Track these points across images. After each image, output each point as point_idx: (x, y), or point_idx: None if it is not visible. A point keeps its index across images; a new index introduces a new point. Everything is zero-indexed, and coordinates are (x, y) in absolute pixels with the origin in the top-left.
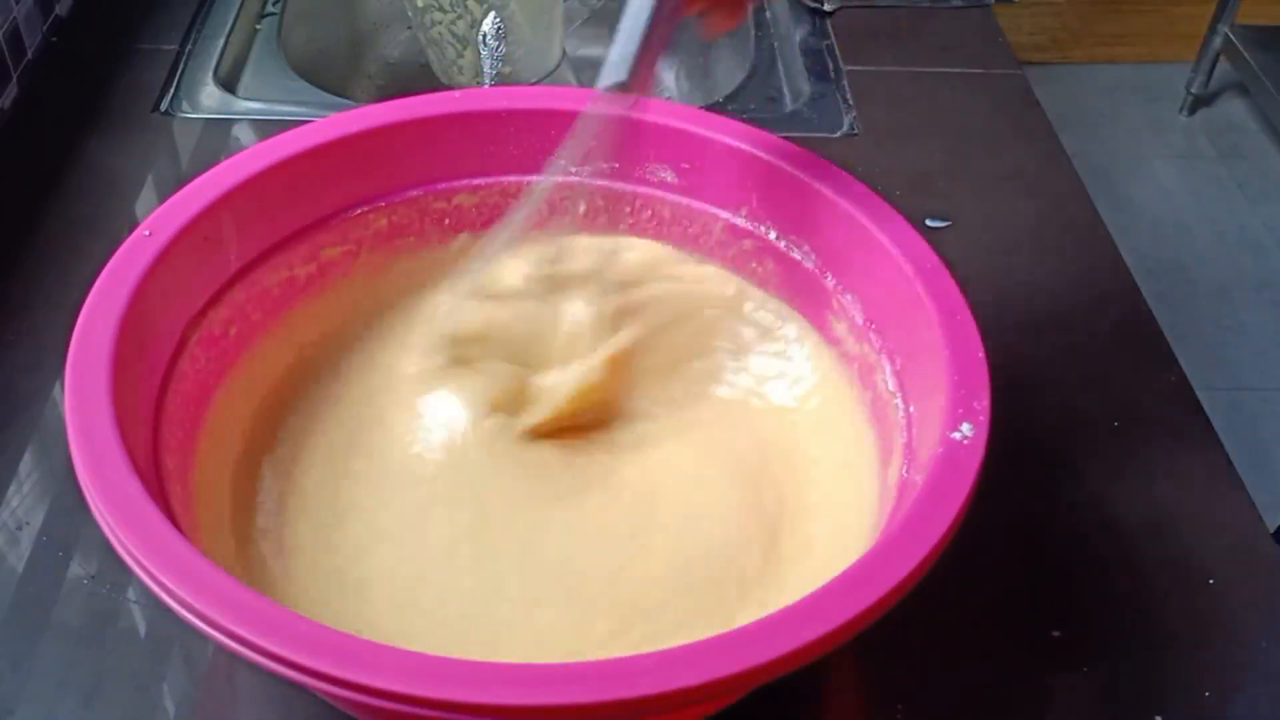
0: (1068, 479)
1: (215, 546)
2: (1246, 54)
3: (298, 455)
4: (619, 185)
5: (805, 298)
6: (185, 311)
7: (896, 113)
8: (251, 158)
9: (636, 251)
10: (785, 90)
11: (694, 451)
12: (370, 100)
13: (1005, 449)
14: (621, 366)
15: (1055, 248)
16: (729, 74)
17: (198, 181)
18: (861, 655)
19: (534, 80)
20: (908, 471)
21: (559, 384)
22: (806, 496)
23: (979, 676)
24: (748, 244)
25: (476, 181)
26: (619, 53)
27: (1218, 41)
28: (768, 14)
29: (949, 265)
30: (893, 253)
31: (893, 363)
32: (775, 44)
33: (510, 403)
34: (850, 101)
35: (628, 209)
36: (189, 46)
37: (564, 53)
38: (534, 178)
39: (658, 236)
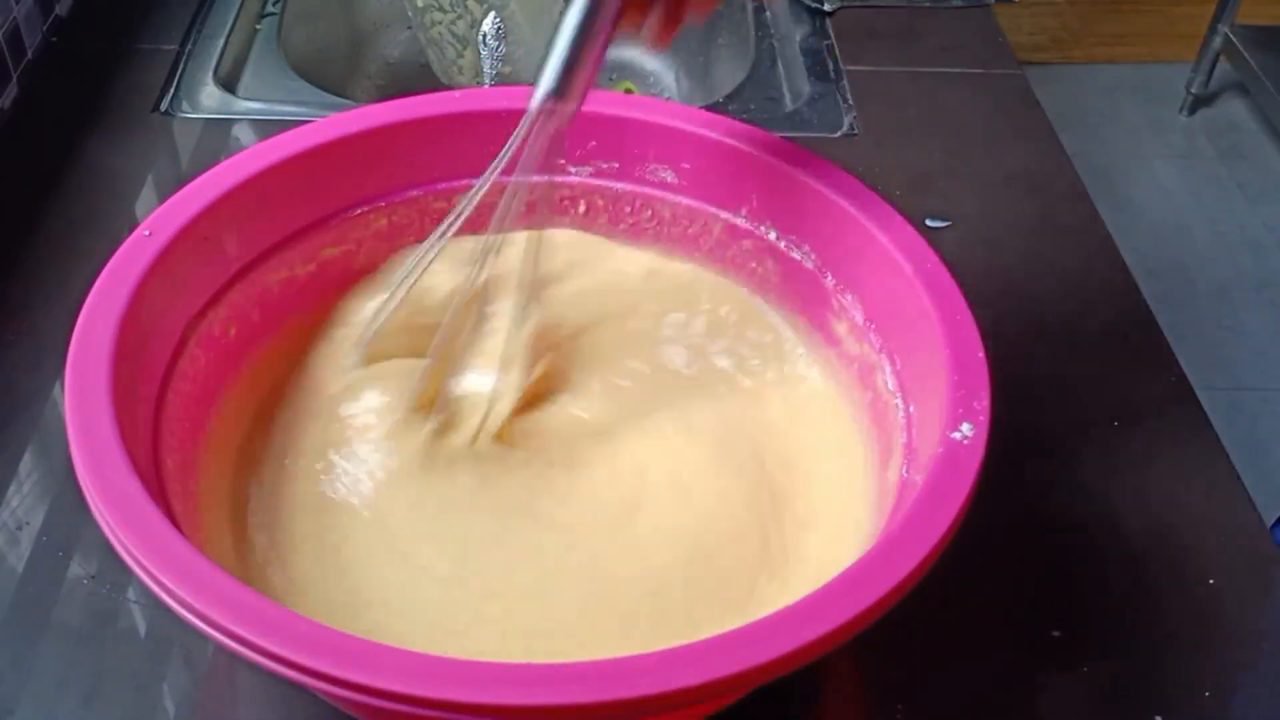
0: (1068, 479)
1: (215, 546)
2: (1246, 54)
3: (297, 455)
4: (619, 185)
5: (805, 298)
6: (185, 311)
7: (896, 113)
8: (251, 158)
9: (564, 248)
10: (785, 90)
11: (693, 453)
12: (370, 100)
13: (1005, 449)
14: (547, 350)
15: (1055, 248)
16: (729, 74)
17: (198, 181)
18: (861, 655)
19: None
20: (908, 471)
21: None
22: (806, 497)
23: (979, 676)
24: (748, 244)
25: (476, 181)
26: (551, 62)
27: (1218, 41)
28: (768, 14)
29: (949, 265)
30: (893, 253)
31: (893, 363)
32: (775, 44)
33: (443, 405)
34: (850, 101)
35: (628, 209)
36: (189, 46)
37: None
38: (534, 177)
39: (657, 237)
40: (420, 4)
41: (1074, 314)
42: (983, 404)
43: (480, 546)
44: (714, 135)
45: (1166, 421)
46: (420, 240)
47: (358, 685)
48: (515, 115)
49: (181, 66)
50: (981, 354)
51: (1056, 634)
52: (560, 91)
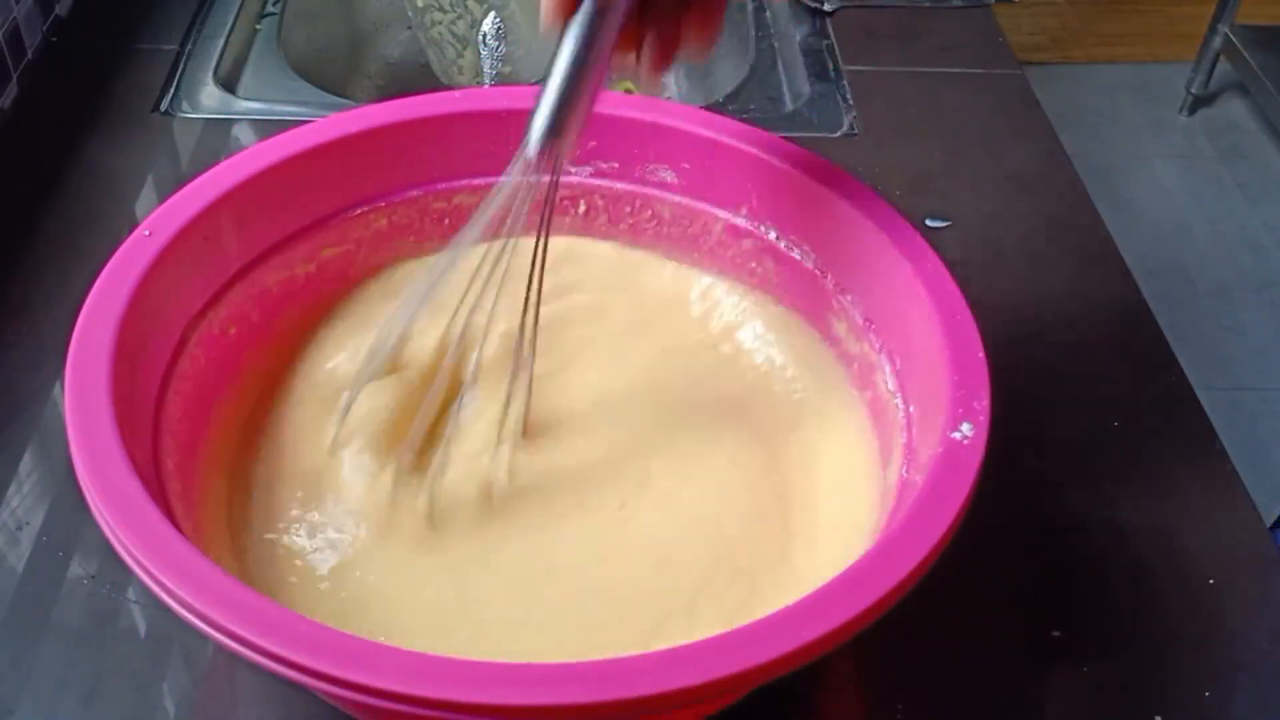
0: (1067, 479)
1: (215, 546)
2: (1246, 54)
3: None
4: (619, 185)
5: (805, 298)
6: (185, 311)
7: (896, 113)
8: (251, 158)
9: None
10: (785, 90)
11: (694, 453)
12: (370, 100)
13: (1005, 449)
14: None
15: (1055, 247)
16: (729, 74)
17: (198, 181)
18: (861, 655)
19: (534, 80)
20: (908, 471)
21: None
22: (806, 497)
23: (979, 676)
24: (748, 244)
25: (476, 181)
26: (546, 104)
27: (1218, 41)
28: (768, 14)
29: (949, 265)
30: (893, 253)
31: (893, 363)
32: (775, 44)
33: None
34: (850, 101)
35: (628, 209)
36: (189, 46)
37: None
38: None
39: (657, 237)
40: (420, 4)
41: (1074, 314)
42: (983, 404)
43: (485, 550)
44: (714, 135)
45: (1166, 421)
46: (425, 238)
47: (358, 685)
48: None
49: (181, 66)
50: (981, 354)
51: (1056, 634)
52: (557, 131)
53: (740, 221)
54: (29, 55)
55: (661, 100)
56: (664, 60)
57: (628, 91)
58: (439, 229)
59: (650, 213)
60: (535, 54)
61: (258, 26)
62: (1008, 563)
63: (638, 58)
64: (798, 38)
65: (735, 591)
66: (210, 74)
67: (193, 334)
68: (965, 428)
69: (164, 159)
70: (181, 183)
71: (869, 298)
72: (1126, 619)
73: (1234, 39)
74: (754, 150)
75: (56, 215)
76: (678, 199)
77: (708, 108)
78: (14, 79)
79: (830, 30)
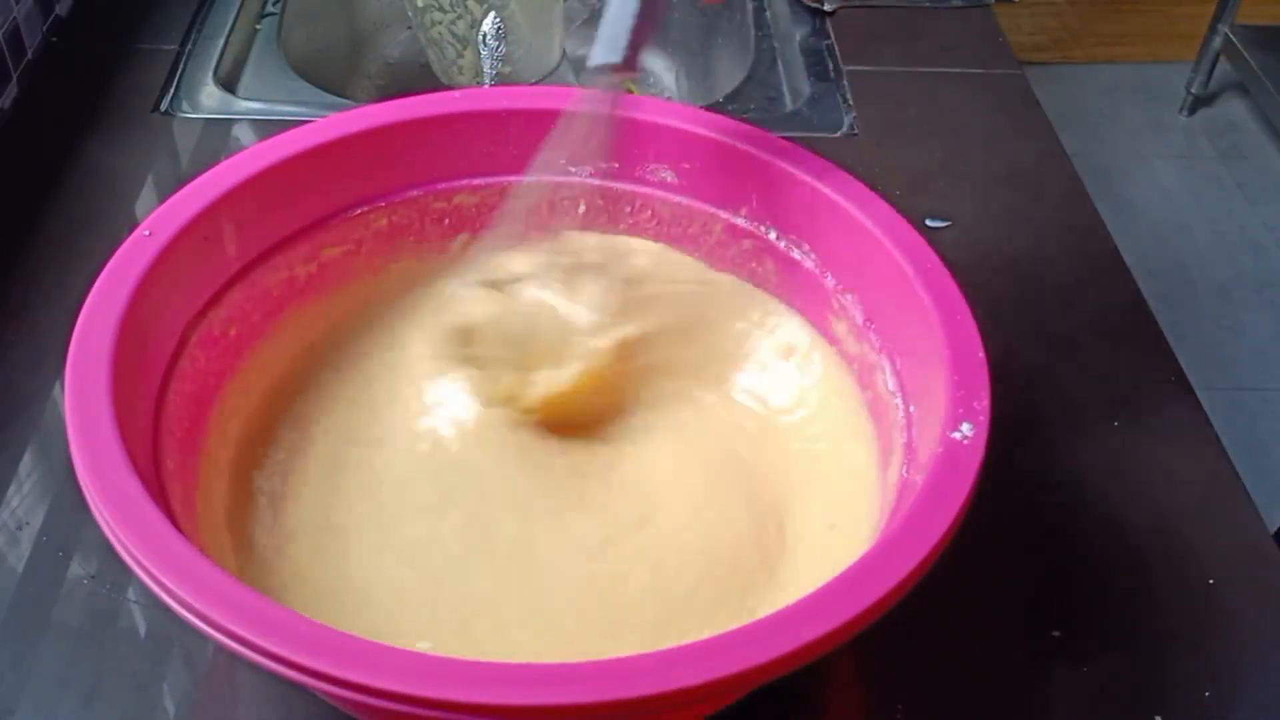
0: (1068, 479)
1: (215, 546)
2: (1246, 54)
3: (296, 454)
4: (619, 185)
5: (805, 298)
6: (185, 311)
7: (896, 113)
8: (251, 158)
9: (644, 254)
10: (785, 90)
11: (693, 451)
12: (370, 100)
13: (1005, 449)
14: (627, 356)
15: (1055, 248)
16: (729, 74)
17: (198, 181)
18: (861, 655)
19: (534, 80)
20: (908, 471)
21: (564, 367)
22: (806, 497)
23: (979, 676)
24: (748, 244)
25: (476, 181)
26: (610, 31)
27: (1218, 41)
28: (768, 14)
29: (949, 265)
30: (893, 253)
31: (893, 363)
32: (775, 44)
33: (511, 398)
34: (850, 101)
35: (628, 209)
36: (189, 46)
37: (564, 53)
38: (533, 178)
39: (657, 237)
40: (420, 4)
41: (1074, 314)
42: (983, 404)
43: (487, 547)
44: (714, 135)
45: (1166, 421)
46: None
47: (358, 685)
48: (515, 115)
49: (181, 66)
50: (981, 354)
51: (1056, 634)
52: (620, 64)
53: (740, 221)
54: (29, 55)
55: (661, 100)
56: None
57: (628, 91)
58: (439, 229)
59: (650, 213)
60: (535, 54)
61: (258, 26)
62: (1008, 563)
63: None
64: (798, 38)
65: (735, 590)
66: (210, 74)
67: (193, 334)
68: (965, 428)
69: (164, 159)
70: (181, 183)
71: (869, 298)
72: (1126, 619)
73: (1234, 39)
74: (754, 150)
75: (56, 215)
76: (678, 199)
77: (708, 108)
78: (14, 79)
79: (830, 30)
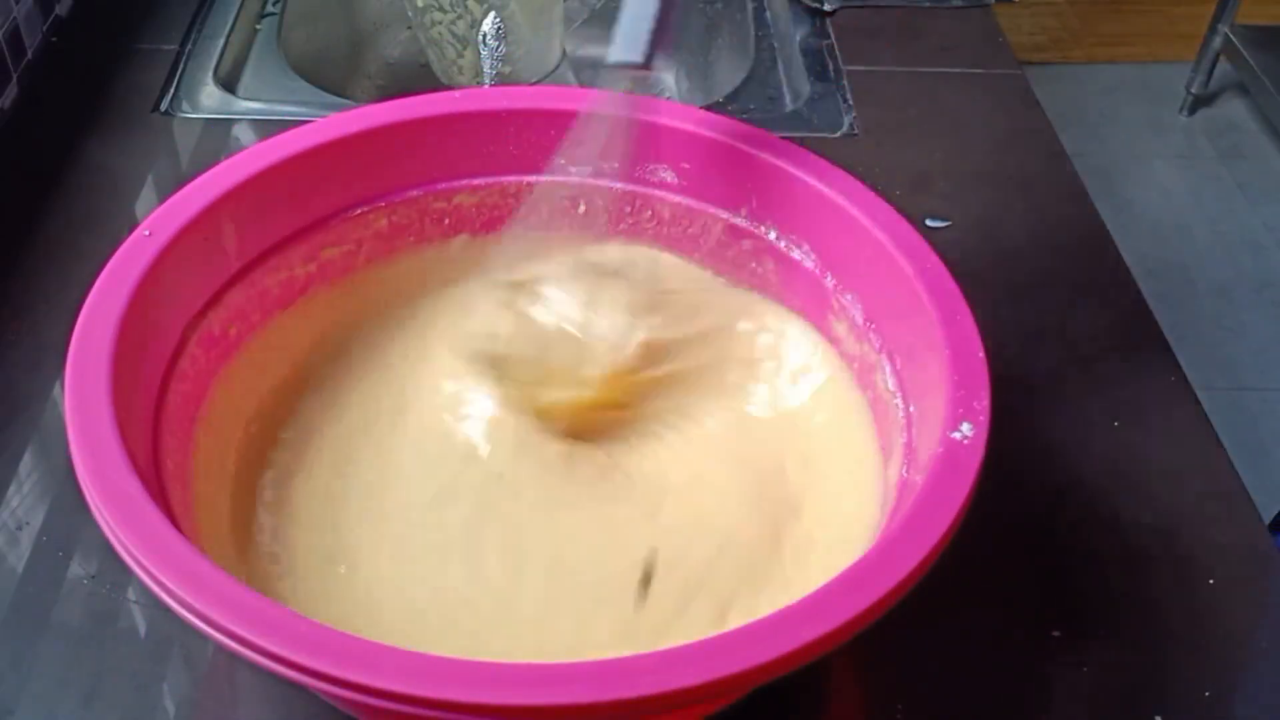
0: (1068, 479)
1: (215, 546)
2: (1246, 54)
3: (297, 455)
4: (619, 185)
5: (805, 298)
6: (185, 311)
7: (896, 113)
8: (251, 158)
9: (666, 267)
10: (785, 90)
11: (698, 454)
12: (370, 100)
13: (1005, 449)
14: (641, 370)
15: (1055, 248)
16: (729, 74)
17: (198, 181)
18: (861, 655)
19: (534, 80)
20: (908, 471)
21: (580, 384)
22: (806, 497)
23: (979, 676)
24: (748, 244)
25: (476, 181)
26: (630, 28)
27: (1218, 41)
28: (768, 14)
29: (949, 265)
30: (893, 253)
31: (893, 363)
32: (775, 44)
33: (525, 407)
34: (850, 101)
35: (628, 209)
36: (189, 46)
37: (564, 53)
38: (534, 178)
39: (657, 237)
40: (420, 4)
41: (1074, 314)
42: (983, 404)
43: (492, 548)
44: (714, 135)
45: (1166, 421)
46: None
47: (358, 685)
48: (515, 115)
49: (181, 66)
50: (981, 354)
51: (1056, 634)
52: (641, 64)
53: (740, 221)
54: (29, 55)
55: (662, 100)
56: None
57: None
58: (439, 229)
59: (650, 213)
60: (535, 54)
61: (258, 26)
62: (1008, 563)
63: None
64: (798, 38)
65: (735, 591)
66: (210, 74)
67: (193, 334)
68: (965, 428)
69: (164, 159)
70: (181, 183)
71: (869, 298)
72: (1126, 619)
73: (1234, 39)
74: (754, 150)
75: (56, 215)
76: (678, 199)
77: (708, 108)
78: (14, 79)
79: (830, 30)
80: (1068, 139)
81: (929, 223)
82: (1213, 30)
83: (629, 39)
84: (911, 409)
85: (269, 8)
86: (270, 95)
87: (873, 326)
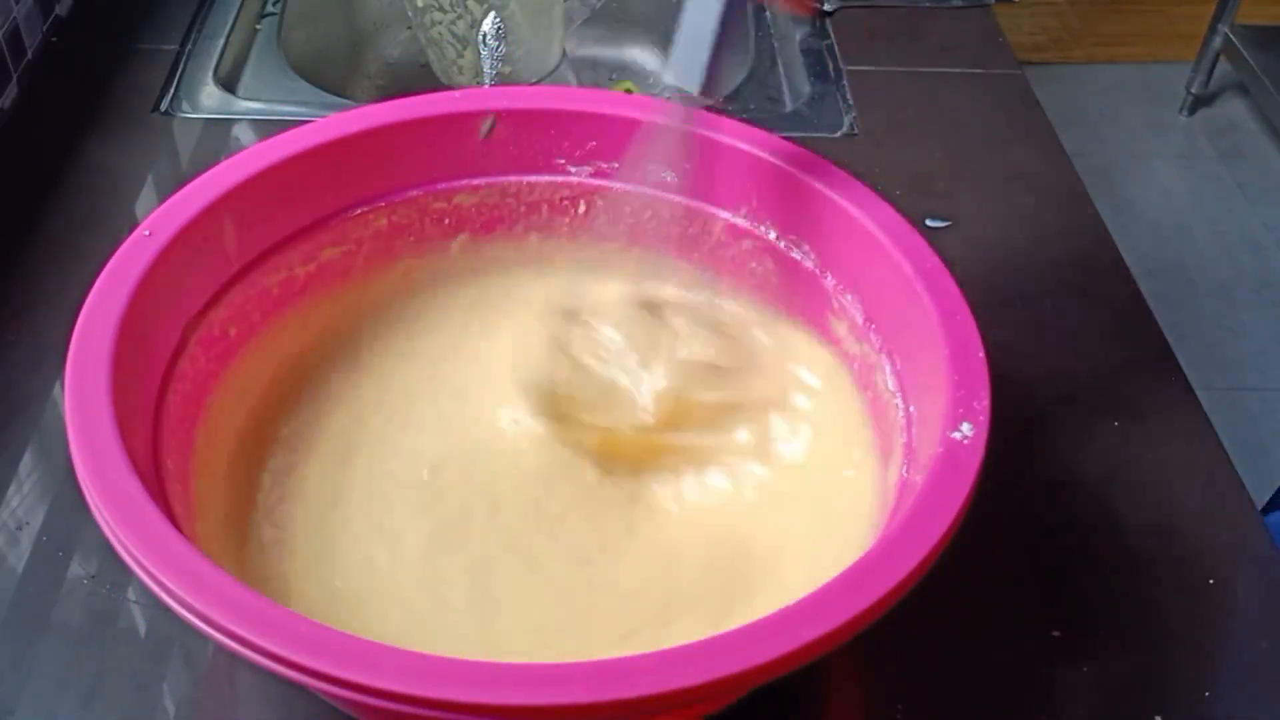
0: (1067, 479)
1: (215, 546)
2: (1246, 54)
3: (297, 455)
4: (619, 185)
5: (805, 298)
6: (185, 312)
7: (896, 113)
8: (251, 158)
9: (723, 309)
10: (785, 90)
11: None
12: (370, 100)
13: (1005, 449)
14: (689, 417)
15: (1055, 248)
16: (729, 74)
17: (198, 181)
18: (861, 655)
19: (534, 80)
20: (908, 471)
21: (626, 418)
22: (806, 497)
23: (979, 676)
24: (748, 244)
25: (476, 181)
26: (685, 54)
27: (1218, 41)
28: (768, 14)
29: (949, 265)
30: (893, 253)
31: (893, 363)
32: (775, 44)
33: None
34: (850, 101)
35: (628, 209)
36: (189, 46)
37: (564, 53)
38: (534, 177)
39: (657, 237)
40: (420, 4)
41: (1074, 314)
42: (983, 404)
43: (492, 553)
44: (714, 135)
45: (1166, 421)
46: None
47: (358, 685)
48: (515, 115)
49: (181, 66)
50: (981, 354)
51: (1056, 634)
52: (707, 88)
53: (740, 221)
54: (29, 55)
55: (663, 100)
56: None
57: (628, 91)
58: (439, 229)
59: (650, 213)
60: (535, 54)
61: (258, 26)
62: (1008, 563)
63: None
64: (798, 38)
65: (734, 591)
66: (210, 74)
67: (192, 334)
68: (965, 428)
69: (164, 159)
70: (181, 183)
71: (869, 298)
72: (1126, 619)
73: (1234, 39)
74: (754, 150)
75: (56, 215)
76: (678, 199)
77: (708, 108)
78: (14, 79)
79: (830, 30)
80: (1068, 139)
81: (929, 223)
82: (1213, 30)
83: (684, 65)
84: (911, 409)
85: (269, 8)
86: (270, 95)
87: (873, 326)
